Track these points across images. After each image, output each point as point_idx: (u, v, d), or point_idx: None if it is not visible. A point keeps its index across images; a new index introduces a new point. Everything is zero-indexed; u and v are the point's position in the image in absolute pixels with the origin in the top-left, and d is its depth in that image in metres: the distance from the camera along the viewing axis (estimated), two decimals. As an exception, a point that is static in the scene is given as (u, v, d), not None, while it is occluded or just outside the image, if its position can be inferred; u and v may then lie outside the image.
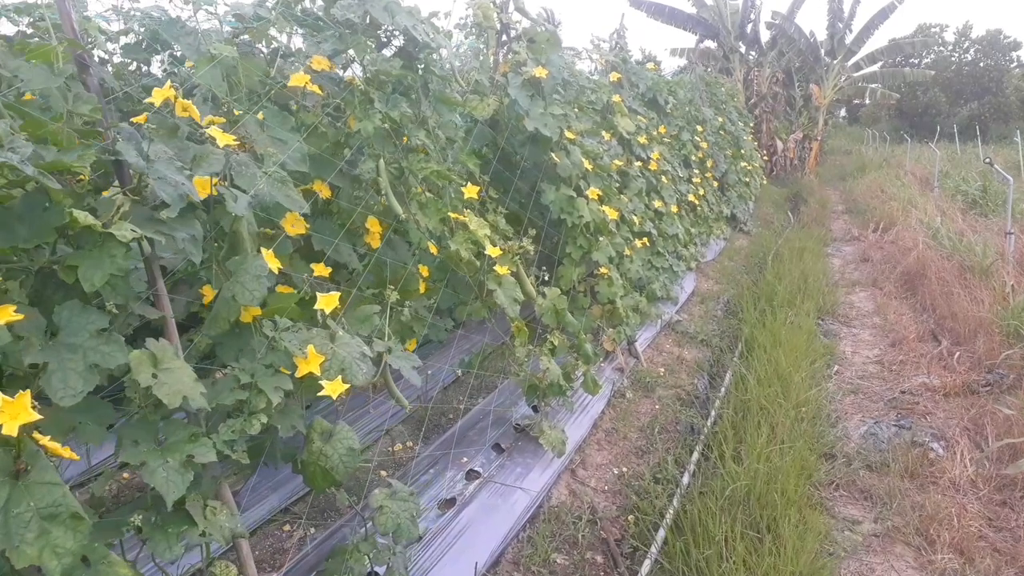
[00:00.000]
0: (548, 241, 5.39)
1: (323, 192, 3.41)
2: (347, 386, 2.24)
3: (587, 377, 4.37)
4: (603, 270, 5.14)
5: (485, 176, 4.38)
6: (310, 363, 2.25)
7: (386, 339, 2.91)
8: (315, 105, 3.37)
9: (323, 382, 2.22)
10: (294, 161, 2.95)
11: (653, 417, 4.74)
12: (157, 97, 2.22)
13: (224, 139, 2.27)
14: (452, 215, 3.61)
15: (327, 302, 2.38)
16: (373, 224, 3.46)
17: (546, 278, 4.34)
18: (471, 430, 4.00)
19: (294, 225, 3.14)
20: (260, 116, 2.99)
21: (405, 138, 3.53)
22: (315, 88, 3.24)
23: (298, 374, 2.24)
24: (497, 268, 3.67)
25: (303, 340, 2.29)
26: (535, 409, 4.09)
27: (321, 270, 3.25)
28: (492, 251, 3.61)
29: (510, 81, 4.84)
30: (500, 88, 4.99)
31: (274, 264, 2.35)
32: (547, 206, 4.97)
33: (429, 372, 4.97)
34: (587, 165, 5.21)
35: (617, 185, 6.18)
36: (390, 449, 4.14)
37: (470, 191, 3.67)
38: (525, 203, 5.14)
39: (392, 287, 3.20)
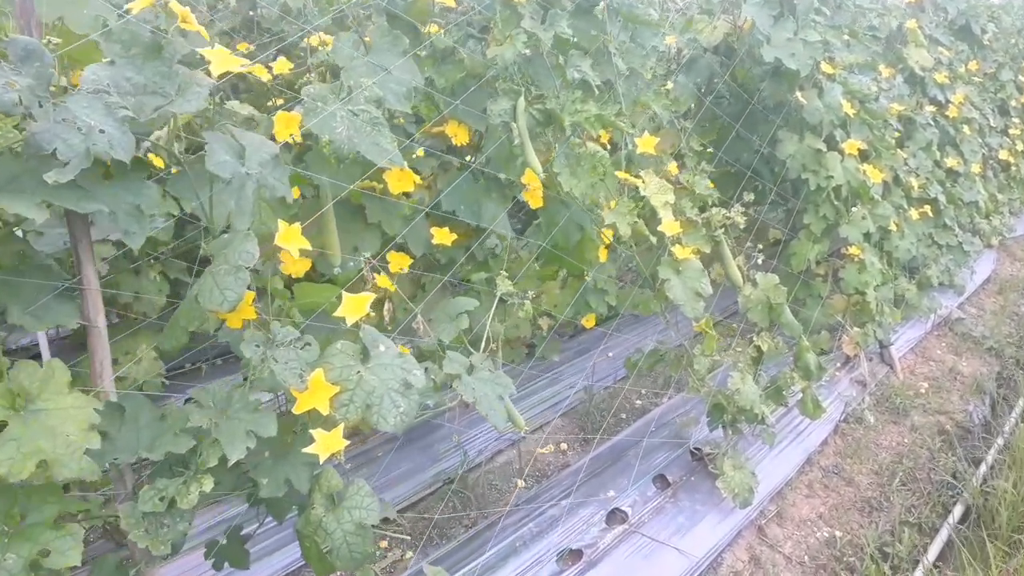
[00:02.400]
0: (776, 209, 4.24)
1: (458, 137, 2.68)
2: (344, 444, 1.51)
3: (806, 396, 3.27)
4: (853, 250, 3.91)
5: (687, 122, 3.36)
6: (314, 395, 1.55)
7: (483, 345, 2.14)
8: (452, 24, 2.61)
9: (315, 432, 1.51)
10: (396, 97, 2.24)
11: (897, 456, 3.53)
12: (139, 3, 1.58)
13: (224, 63, 1.58)
14: (622, 175, 2.70)
15: (353, 307, 1.64)
16: (531, 178, 2.67)
17: (759, 260, 3.27)
18: (633, 447, 3.13)
19: (400, 181, 2.47)
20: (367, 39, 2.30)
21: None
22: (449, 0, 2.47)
23: (296, 409, 1.55)
24: (675, 249, 2.71)
25: (311, 360, 1.58)
26: (727, 427, 3.12)
27: (443, 236, 2.57)
28: (668, 226, 2.65)
29: (748, -5, 3.70)
30: (736, 6, 3.87)
31: (294, 244, 1.65)
32: (782, 163, 3.84)
33: (610, 354, 4.15)
34: (848, 109, 3.94)
35: (896, 135, 4.75)
36: (538, 451, 3.41)
37: (645, 143, 2.72)
38: (754, 158, 4.01)
39: (499, 272, 2.40)
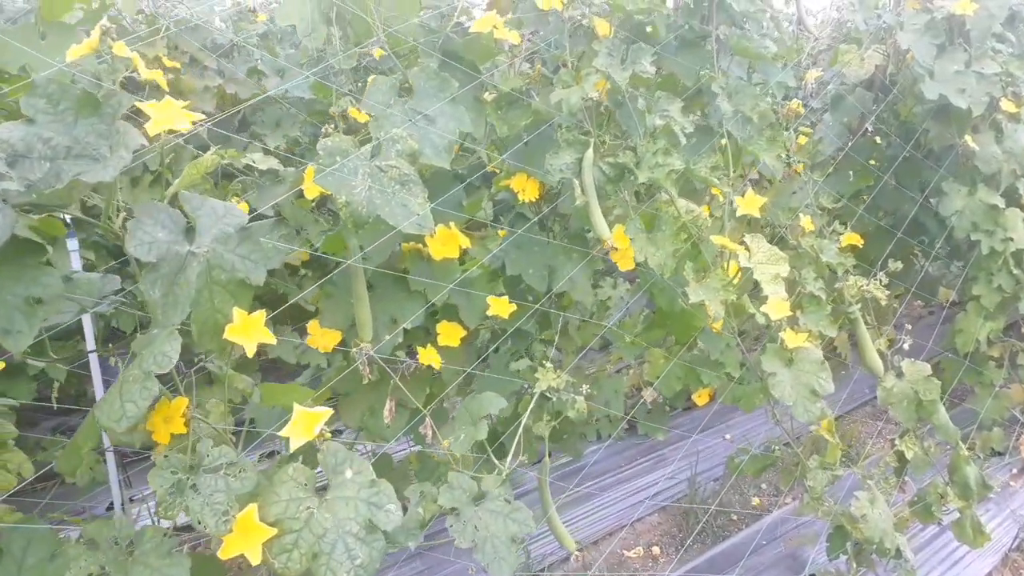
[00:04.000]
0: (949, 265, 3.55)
1: (527, 192, 2.32)
2: (254, 617, 1.15)
3: (964, 519, 2.59)
4: (1038, 328, 3.16)
5: (815, 175, 2.81)
6: (245, 538, 1.22)
7: (510, 459, 1.73)
8: (517, 64, 2.26)
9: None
10: (435, 150, 1.92)
11: (1090, 602, 2.74)
12: (77, 50, 1.34)
13: (166, 120, 1.30)
14: (719, 240, 2.21)
15: (303, 426, 1.29)
16: (620, 238, 2.25)
17: (906, 345, 2.64)
18: (735, 565, 2.59)
19: (445, 245, 2.13)
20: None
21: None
22: (510, 35, 2.12)
23: (222, 554, 1.22)
24: (786, 335, 2.18)
25: (244, 492, 1.25)
26: (851, 557, 2.51)
27: (500, 307, 2.21)
28: (775, 306, 2.12)
29: (905, 23, 3.11)
30: (890, 33, 3.29)
31: (250, 338, 1.34)
32: (944, 219, 3.19)
33: (727, 436, 3.59)
34: (1034, 156, 3.22)
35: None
36: (623, 553, 2.92)
37: (748, 203, 2.22)
38: (915, 210, 3.36)
39: (539, 362, 1.98)
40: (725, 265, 2.24)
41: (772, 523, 2.86)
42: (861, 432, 3.67)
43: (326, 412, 1.30)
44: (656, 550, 2.92)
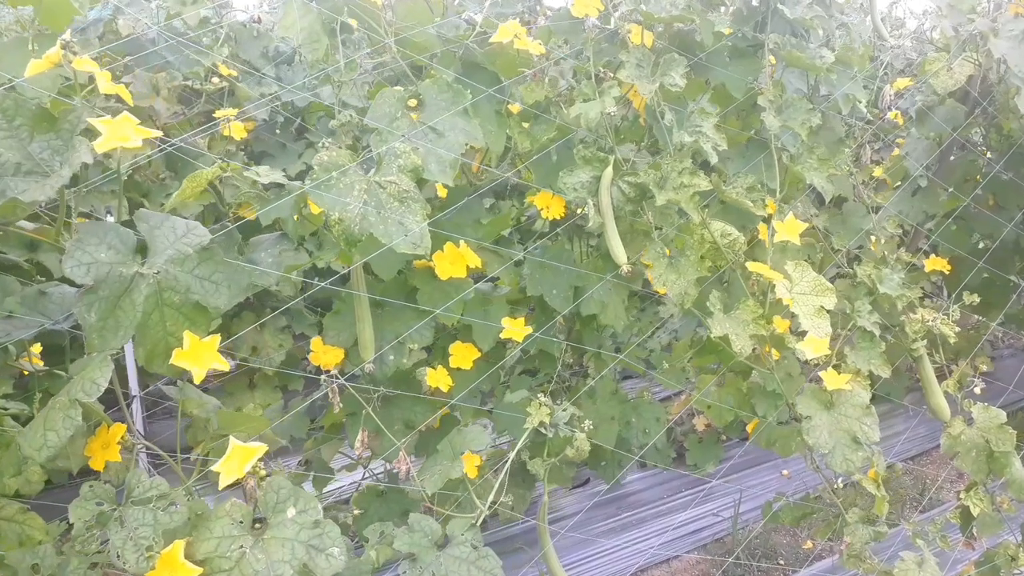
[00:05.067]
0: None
1: (551, 210, 2.21)
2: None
3: (1037, 587, 2.31)
4: None
5: (879, 197, 2.56)
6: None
7: (488, 502, 1.60)
8: (539, 76, 2.13)
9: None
10: (440, 165, 1.84)
11: None
12: (37, 64, 1.31)
13: (116, 137, 1.25)
14: (756, 267, 2.01)
15: (236, 461, 1.21)
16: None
17: (978, 390, 2.36)
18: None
19: (453, 264, 2.04)
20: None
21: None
22: (532, 45, 2.01)
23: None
24: (827, 375, 1.97)
25: (173, 527, 1.19)
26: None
27: (515, 330, 2.10)
28: (812, 344, 1.91)
29: (1000, 29, 2.82)
30: (983, 40, 2.99)
31: (200, 363, 1.28)
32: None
33: (785, 472, 3.34)
34: None
35: None
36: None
37: (787, 228, 2.01)
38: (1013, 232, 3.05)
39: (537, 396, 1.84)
40: (760, 296, 2.05)
41: (825, 570, 2.63)
42: (936, 475, 3.35)
43: (261, 448, 1.22)
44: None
